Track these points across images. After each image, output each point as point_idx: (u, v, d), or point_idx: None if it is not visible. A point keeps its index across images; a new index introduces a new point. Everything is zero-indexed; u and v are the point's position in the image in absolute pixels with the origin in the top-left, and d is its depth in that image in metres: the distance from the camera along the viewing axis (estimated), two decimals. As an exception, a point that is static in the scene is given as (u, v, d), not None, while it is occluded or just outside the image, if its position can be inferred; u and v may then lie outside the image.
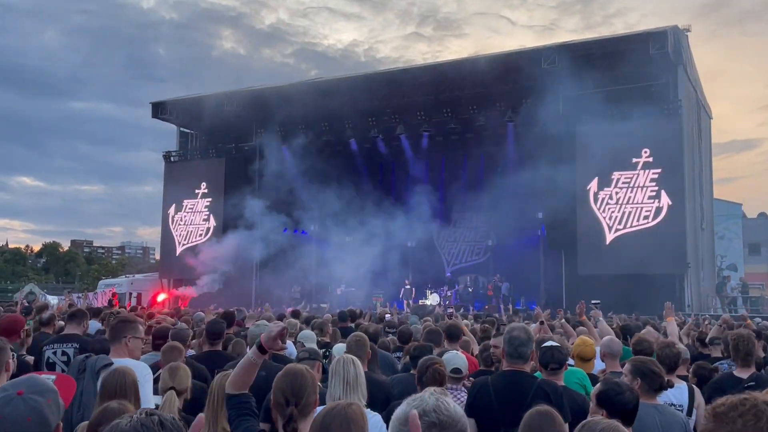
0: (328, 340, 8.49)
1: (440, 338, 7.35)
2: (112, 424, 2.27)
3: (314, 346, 6.73)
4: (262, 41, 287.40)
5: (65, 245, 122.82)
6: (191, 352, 7.11)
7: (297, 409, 3.19)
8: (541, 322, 7.66)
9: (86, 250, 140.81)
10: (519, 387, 4.40)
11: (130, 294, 31.72)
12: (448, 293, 29.54)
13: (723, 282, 28.17)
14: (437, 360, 5.05)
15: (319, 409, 3.99)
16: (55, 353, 5.83)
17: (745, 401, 1.56)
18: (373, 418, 3.73)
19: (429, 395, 1.79)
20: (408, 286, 30.13)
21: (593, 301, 10.16)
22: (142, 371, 4.35)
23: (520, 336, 4.55)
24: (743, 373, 5.65)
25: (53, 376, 2.85)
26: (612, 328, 8.69)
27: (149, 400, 4.20)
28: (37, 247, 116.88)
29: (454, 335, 7.39)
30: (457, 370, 5.30)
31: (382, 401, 4.86)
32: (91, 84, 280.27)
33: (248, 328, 10.01)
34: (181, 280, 31.75)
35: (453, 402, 1.81)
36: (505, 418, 4.15)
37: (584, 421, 2.91)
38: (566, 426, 3.47)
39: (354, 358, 4.35)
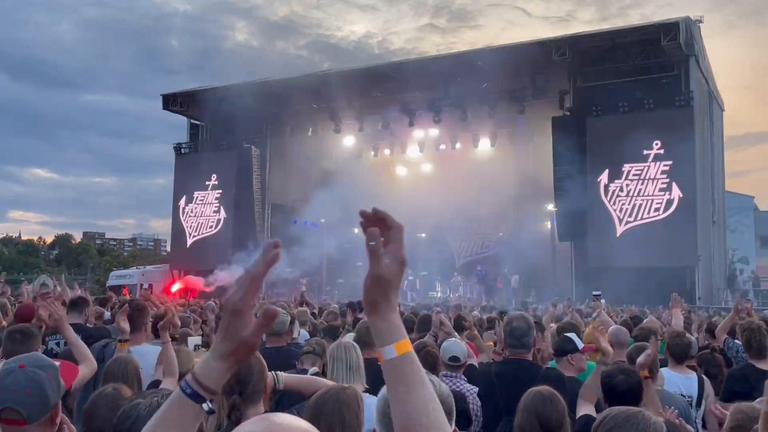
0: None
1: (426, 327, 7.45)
2: (133, 403, 2.27)
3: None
4: (275, 33, 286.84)
5: (78, 237, 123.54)
6: None
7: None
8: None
9: (98, 242, 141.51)
10: (522, 375, 4.38)
11: (141, 285, 31.81)
12: (476, 282, 29.36)
13: (734, 274, 28.00)
14: (430, 344, 5.01)
15: None
16: (58, 344, 5.81)
17: None
18: (368, 399, 3.74)
19: None
20: (411, 278, 29.85)
21: (594, 293, 10.11)
22: None
23: (521, 326, 4.55)
24: (765, 365, 5.52)
25: (57, 363, 2.88)
26: (622, 320, 8.64)
27: None
28: (49, 239, 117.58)
29: (460, 327, 7.39)
30: (454, 358, 5.26)
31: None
32: (104, 76, 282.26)
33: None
34: (189, 270, 31.71)
35: (438, 381, 1.80)
36: (507, 405, 4.15)
37: (609, 409, 2.87)
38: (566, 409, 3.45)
39: (354, 344, 4.36)
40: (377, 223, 1.40)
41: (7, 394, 2.52)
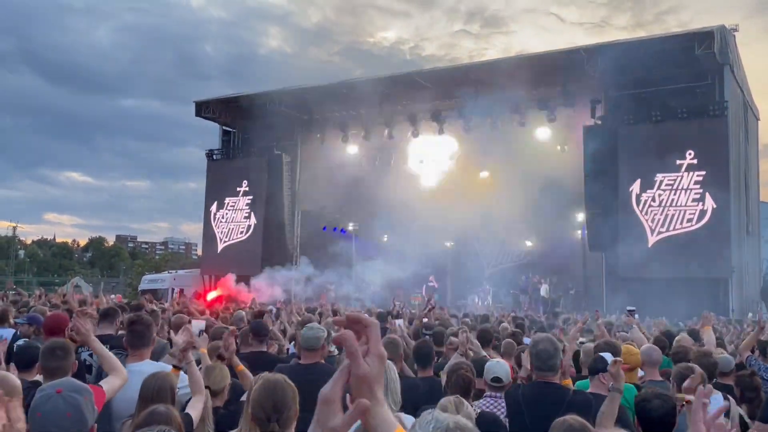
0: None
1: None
2: None
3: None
4: (308, 39, 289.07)
5: (110, 240, 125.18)
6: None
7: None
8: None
9: (130, 245, 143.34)
10: (550, 399, 4.37)
11: (173, 289, 32.05)
12: (519, 291, 29.35)
13: (767, 286, 27.55)
14: (465, 366, 4.94)
15: None
16: (90, 355, 5.80)
17: None
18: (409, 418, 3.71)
19: (444, 417, 1.67)
20: (431, 283, 29.66)
21: (628, 308, 10.00)
22: None
23: (548, 349, 4.51)
24: None
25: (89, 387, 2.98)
26: (655, 338, 8.56)
27: None
28: (83, 242, 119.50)
29: (485, 339, 7.37)
30: (497, 379, 5.20)
31: (413, 402, 4.84)
32: (140, 81, 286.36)
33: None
34: (219, 276, 31.72)
35: (467, 404, 1.76)
36: (535, 429, 4.14)
37: None
38: None
39: (387, 362, 4.30)
40: (353, 326, 1.44)
41: (49, 418, 2.61)
